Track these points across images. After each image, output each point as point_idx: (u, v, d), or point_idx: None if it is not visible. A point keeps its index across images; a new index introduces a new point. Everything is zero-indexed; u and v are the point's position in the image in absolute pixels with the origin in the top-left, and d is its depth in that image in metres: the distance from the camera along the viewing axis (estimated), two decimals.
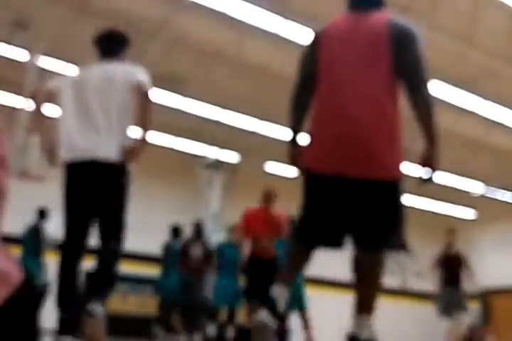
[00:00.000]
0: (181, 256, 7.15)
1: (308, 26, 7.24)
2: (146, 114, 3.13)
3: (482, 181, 12.53)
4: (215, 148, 11.73)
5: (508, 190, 13.14)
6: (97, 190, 3.06)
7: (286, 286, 2.49)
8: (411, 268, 15.07)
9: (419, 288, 14.89)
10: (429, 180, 2.44)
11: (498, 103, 9.56)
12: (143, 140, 3.09)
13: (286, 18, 7.00)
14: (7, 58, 8.44)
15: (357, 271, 2.44)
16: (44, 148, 3.17)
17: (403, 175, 2.43)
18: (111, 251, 3.05)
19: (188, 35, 8.55)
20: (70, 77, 3.38)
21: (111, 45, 3.47)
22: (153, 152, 8.22)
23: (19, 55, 8.28)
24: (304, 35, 7.34)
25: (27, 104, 8.21)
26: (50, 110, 3.31)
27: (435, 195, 13.12)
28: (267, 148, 11.21)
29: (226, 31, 8.34)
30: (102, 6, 7.78)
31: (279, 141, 10.79)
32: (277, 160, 12.02)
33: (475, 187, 12.75)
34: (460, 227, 14.32)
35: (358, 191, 2.38)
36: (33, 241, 7.41)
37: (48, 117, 3.25)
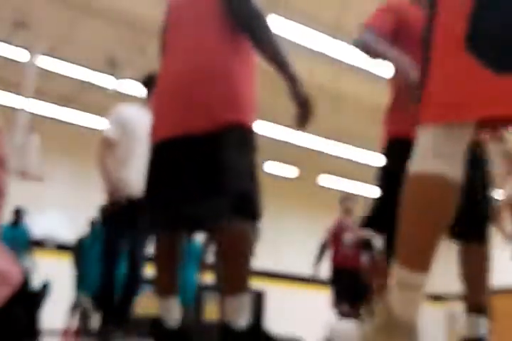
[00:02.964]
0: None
1: (308, 26, 7.24)
2: None
3: None
4: None
5: None
6: None
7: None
8: None
9: None
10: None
11: None
12: None
13: (287, 17, 7.00)
14: (7, 58, 8.45)
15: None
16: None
17: (237, 124, 2.06)
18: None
19: None
20: (120, 117, 3.80)
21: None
22: None
23: (19, 55, 8.28)
24: (303, 35, 7.34)
25: (27, 104, 8.21)
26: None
27: None
28: (266, 147, 11.20)
29: None
30: (102, 6, 7.78)
31: (278, 140, 10.79)
32: (276, 160, 12.02)
33: None
34: None
35: (176, 152, 2.01)
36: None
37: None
